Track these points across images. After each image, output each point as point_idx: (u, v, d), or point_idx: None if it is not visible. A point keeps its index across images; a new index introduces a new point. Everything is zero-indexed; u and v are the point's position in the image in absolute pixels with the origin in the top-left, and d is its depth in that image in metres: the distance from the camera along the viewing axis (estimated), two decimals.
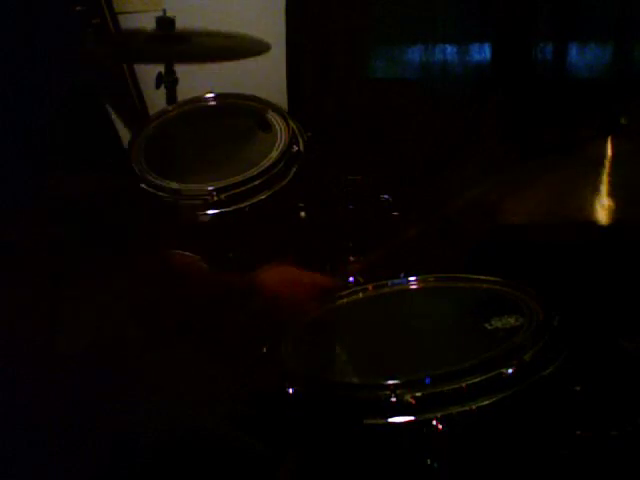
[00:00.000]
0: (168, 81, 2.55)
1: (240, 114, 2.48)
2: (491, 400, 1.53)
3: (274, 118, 2.42)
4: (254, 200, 2.23)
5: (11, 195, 1.10)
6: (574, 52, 2.53)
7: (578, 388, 1.83)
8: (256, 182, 2.24)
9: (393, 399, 1.52)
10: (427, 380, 1.54)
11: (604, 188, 1.69)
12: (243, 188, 2.22)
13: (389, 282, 1.98)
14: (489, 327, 1.69)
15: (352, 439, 1.59)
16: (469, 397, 1.53)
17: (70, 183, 1.13)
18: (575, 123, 2.42)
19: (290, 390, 1.63)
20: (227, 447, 1.47)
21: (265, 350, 1.76)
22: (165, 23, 2.46)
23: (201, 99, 2.54)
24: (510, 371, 1.55)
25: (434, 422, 1.52)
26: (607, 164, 1.74)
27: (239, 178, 2.23)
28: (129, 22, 2.76)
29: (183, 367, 1.75)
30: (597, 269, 2.02)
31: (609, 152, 1.76)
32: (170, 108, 2.50)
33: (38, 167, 1.11)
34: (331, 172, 2.48)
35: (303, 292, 1.74)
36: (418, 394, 1.53)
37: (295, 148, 2.33)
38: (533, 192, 1.79)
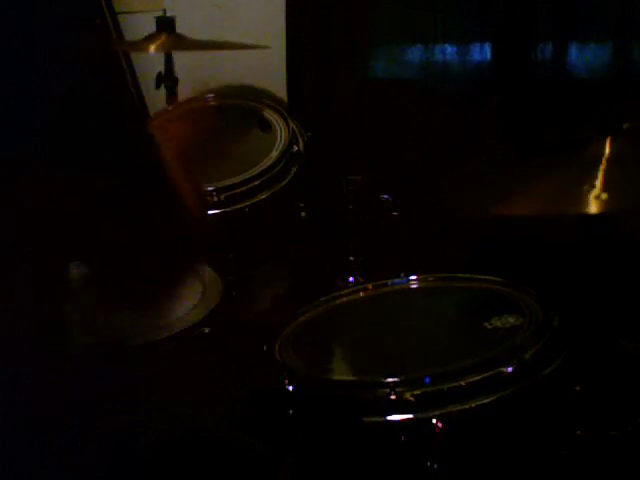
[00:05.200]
0: (168, 81, 2.55)
1: (240, 114, 2.48)
2: (491, 399, 1.53)
3: (274, 118, 2.42)
4: (254, 200, 2.23)
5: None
6: (574, 52, 2.53)
7: (578, 388, 1.83)
8: (256, 182, 2.24)
9: (393, 397, 1.52)
10: (427, 379, 1.54)
11: (604, 188, 1.69)
12: (243, 188, 2.23)
13: (389, 282, 1.98)
14: (489, 326, 1.69)
15: (352, 437, 1.59)
16: (469, 396, 1.53)
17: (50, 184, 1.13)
18: (575, 123, 2.42)
19: (290, 389, 1.63)
20: (227, 447, 1.47)
21: (265, 350, 1.76)
22: (165, 23, 2.46)
23: (201, 99, 2.54)
24: (510, 370, 1.55)
25: (434, 420, 1.52)
26: (606, 164, 1.74)
27: (239, 178, 2.24)
28: (129, 22, 2.76)
29: (183, 367, 1.76)
30: (597, 269, 2.02)
31: (608, 152, 1.76)
32: (170, 108, 2.50)
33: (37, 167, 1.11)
34: (331, 172, 2.48)
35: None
36: (418, 392, 1.53)
37: (295, 148, 2.34)
38: (532, 191, 1.79)
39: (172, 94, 2.58)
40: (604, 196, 1.66)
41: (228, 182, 2.22)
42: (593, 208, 1.66)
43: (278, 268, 2.40)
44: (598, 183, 1.69)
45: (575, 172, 1.75)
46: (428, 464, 1.55)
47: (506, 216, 1.94)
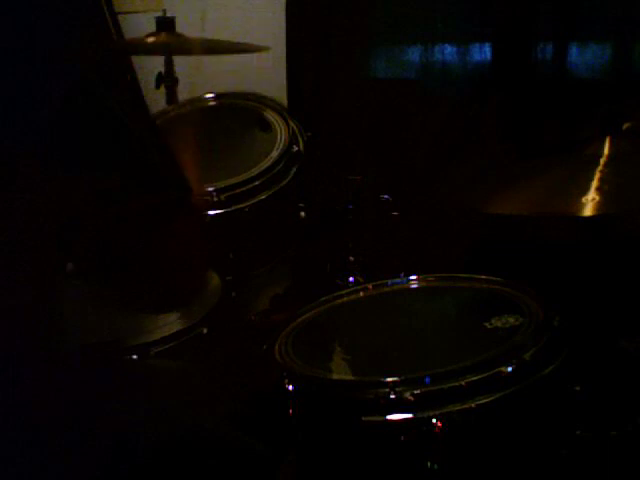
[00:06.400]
0: (168, 81, 2.56)
1: (240, 114, 2.48)
2: (491, 399, 1.53)
3: (274, 118, 2.42)
4: (254, 200, 2.23)
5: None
6: (574, 52, 2.54)
7: (578, 388, 1.83)
8: (256, 182, 2.24)
9: (392, 396, 1.52)
10: (427, 378, 1.54)
11: (604, 188, 1.69)
12: (243, 188, 2.22)
13: (389, 282, 1.98)
14: (489, 326, 1.69)
15: (352, 437, 1.59)
16: (469, 395, 1.53)
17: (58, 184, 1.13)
18: (575, 123, 2.42)
19: (290, 388, 1.63)
20: (227, 447, 1.47)
21: (265, 349, 1.76)
22: (165, 23, 2.46)
23: (201, 99, 2.54)
24: (510, 369, 1.55)
25: (434, 420, 1.52)
26: (606, 164, 1.74)
27: (239, 178, 2.24)
28: (129, 22, 2.76)
29: (183, 367, 1.75)
30: (597, 269, 2.02)
31: (608, 152, 1.76)
32: (170, 108, 2.50)
33: (37, 167, 1.11)
34: (331, 172, 2.48)
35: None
36: (417, 392, 1.53)
37: (295, 148, 2.33)
38: (532, 191, 1.79)
39: (172, 94, 2.58)
40: (592, 198, 1.66)
41: (228, 182, 2.22)
42: (592, 208, 1.66)
43: (278, 268, 2.40)
44: (594, 183, 1.69)
45: (574, 171, 1.75)
46: (428, 464, 1.55)
47: (506, 216, 1.94)
